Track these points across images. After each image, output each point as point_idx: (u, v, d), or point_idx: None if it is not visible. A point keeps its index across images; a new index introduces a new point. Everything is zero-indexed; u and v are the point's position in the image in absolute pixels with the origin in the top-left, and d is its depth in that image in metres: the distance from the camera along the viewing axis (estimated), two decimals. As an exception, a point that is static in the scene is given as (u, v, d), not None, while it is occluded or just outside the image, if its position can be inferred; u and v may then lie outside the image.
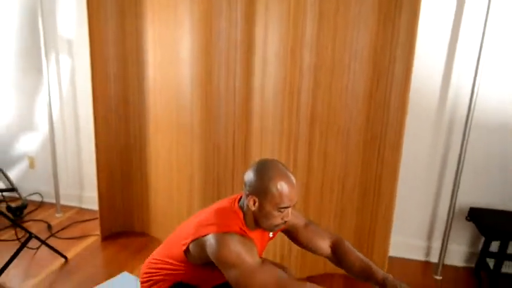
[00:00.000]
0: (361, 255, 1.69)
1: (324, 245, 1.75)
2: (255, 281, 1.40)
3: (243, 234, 1.50)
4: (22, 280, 2.65)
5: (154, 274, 1.72)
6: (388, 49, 2.39)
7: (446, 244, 2.80)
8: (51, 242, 3.01)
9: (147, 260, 1.80)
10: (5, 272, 2.62)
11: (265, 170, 1.50)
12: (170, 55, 2.73)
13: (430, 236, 2.99)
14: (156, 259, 1.75)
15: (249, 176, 1.52)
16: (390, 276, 1.58)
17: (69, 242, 3.12)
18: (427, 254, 3.02)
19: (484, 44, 2.45)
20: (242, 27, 2.48)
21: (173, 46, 2.70)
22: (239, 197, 1.64)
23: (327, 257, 1.77)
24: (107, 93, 2.96)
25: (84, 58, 3.21)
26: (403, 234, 2.99)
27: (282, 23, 2.37)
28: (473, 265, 2.92)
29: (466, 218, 2.76)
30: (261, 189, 1.48)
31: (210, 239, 1.46)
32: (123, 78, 2.97)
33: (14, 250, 2.68)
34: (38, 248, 2.95)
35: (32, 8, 3.34)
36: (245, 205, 1.56)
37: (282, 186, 1.47)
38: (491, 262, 2.65)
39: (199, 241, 1.51)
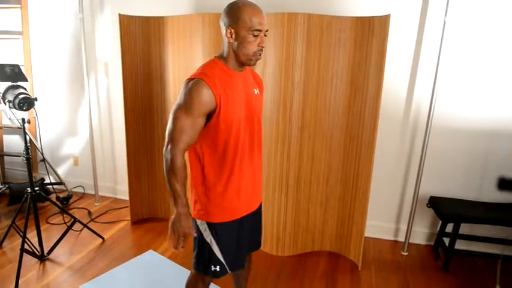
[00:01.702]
0: None
1: None
2: (172, 123, 1.39)
3: (212, 88, 1.37)
4: (68, 256, 2.64)
5: (192, 174, 1.56)
6: (363, 68, 2.38)
7: (411, 226, 2.78)
8: (91, 225, 3.00)
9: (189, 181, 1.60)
10: (55, 249, 2.63)
11: (234, 4, 1.41)
12: (186, 73, 2.71)
13: (398, 220, 2.97)
14: (188, 162, 1.56)
15: (222, 16, 1.44)
16: None
17: (106, 225, 3.11)
18: (396, 234, 3.00)
19: (440, 63, 2.45)
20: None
21: (189, 66, 2.70)
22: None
23: None
24: (135, 105, 2.95)
25: (118, 77, 3.21)
26: (376, 218, 2.97)
27: (276, 47, 2.37)
28: (432, 243, 2.90)
29: (427, 205, 2.74)
30: (234, 19, 1.39)
31: (183, 84, 1.43)
32: (148, 92, 2.96)
33: (62, 232, 2.70)
34: (80, 231, 2.95)
35: (76, 38, 3.34)
36: (225, 48, 1.46)
37: (251, 12, 1.38)
38: (446, 240, 2.63)
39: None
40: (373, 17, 2.29)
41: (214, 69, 1.44)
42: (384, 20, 2.22)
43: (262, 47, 1.45)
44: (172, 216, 1.44)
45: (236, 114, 1.45)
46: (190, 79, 1.41)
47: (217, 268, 1.56)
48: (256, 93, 1.58)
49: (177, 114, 1.39)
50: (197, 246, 1.58)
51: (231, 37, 1.41)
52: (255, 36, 1.41)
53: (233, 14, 1.40)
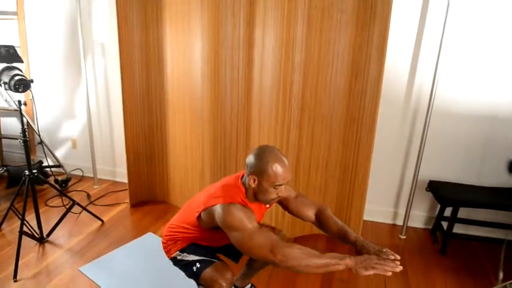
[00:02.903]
0: (338, 221, 1.66)
1: (310, 213, 1.73)
2: (253, 242, 1.40)
3: (244, 205, 1.50)
4: (67, 238, 2.65)
5: (173, 236, 1.74)
6: (364, 50, 2.34)
7: (410, 210, 2.79)
8: (90, 208, 3.01)
9: (166, 225, 1.81)
10: (54, 231, 2.64)
11: (263, 154, 1.49)
12: (185, 55, 2.68)
13: (396, 204, 2.98)
14: (174, 224, 1.76)
15: (250, 159, 1.52)
16: (360, 238, 1.55)
17: (105, 208, 3.11)
18: (394, 218, 3.01)
19: (442, 48, 2.41)
20: (244, 31, 2.43)
21: (187, 47, 2.66)
22: (241, 174, 1.62)
23: (312, 222, 1.76)
24: (133, 87, 2.91)
25: (115, 58, 3.16)
26: (375, 202, 2.98)
27: (277, 28, 2.32)
28: (430, 227, 2.92)
29: (426, 189, 2.75)
30: (259, 170, 1.47)
31: (218, 209, 1.47)
32: (146, 74, 2.92)
33: (61, 214, 2.69)
34: (79, 213, 2.95)
35: (73, 19, 3.28)
36: (246, 182, 1.55)
37: (277, 168, 1.46)
38: (445, 224, 2.64)
39: (209, 210, 1.52)
40: (375, -3, 2.24)
41: (238, 196, 1.54)
42: (387, 2, 2.17)
43: (280, 196, 1.56)
44: (355, 270, 1.38)
45: None
46: (223, 203, 1.47)
47: (198, 265, 1.64)
48: (266, 207, 1.71)
49: (245, 237, 1.42)
50: (184, 271, 1.71)
51: (253, 183, 1.51)
52: (276, 188, 1.50)
53: (260, 165, 1.47)
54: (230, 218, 1.42)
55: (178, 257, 1.70)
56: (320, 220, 1.71)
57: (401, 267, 1.33)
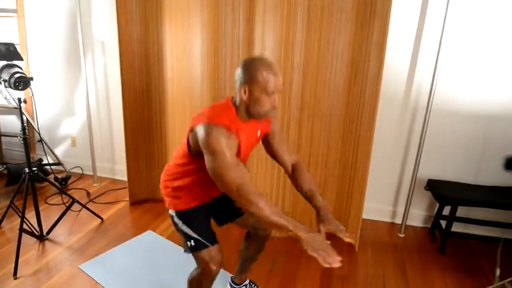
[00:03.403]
0: (311, 182, 1.66)
1: (287, 159, 1.72)
2: (225, 174, 1.35)
3: (229, 129, 1.41)
4: (67, 236, 2.65)
5: (169, 178, 1.68)
6: (363, 49, 2.34)
7: (409, 209, 2.80)
8: (90, 206, 3.01)
9: (162, 173, 1.75)
10: (54, 229, 2.64)
11: (251, 62, 1.43)
12: (184, 51, 2.69)
13: (395, 202, 2.99)
14: (169, 165, 1.70)
15: (238, 71, 1.45)
16: (324, 207, 1.55)
17: (104, 206, 3.12)
18: (393, 216, 3.02)
19: (441, 46, 2.41)
20: (244, 28, 2.43)
21: (187, 44, 2.66)
22: (233, 97, 1.55)
23: (285, 170, 1.74)
24: (133, 84, 2.91)
25: (115, 56, 3.15)
26: (374, 200, 2.98)
27: (276, 26, 2.32)
28: (429, 225, 2.93)
29: (425, 188, 2.75)
30: (249, 78, 1.40)
31: (200, 128, 1.39)
32: (146, 71, 2.91)
33: (61, 212, 2.70)
34: (79, 211, 2.96)
35: (72, 16, 3.28)
36: (237, 99, 1.48)
37: (267, 73, 1.39)
38: (443, 223, 2.65)
39: (193, 131, 1.45)
40: (375, -4, 2.24)
41: (227, 116, 1.45)
42: (386, 0, 2.18)
43: (275, 107, 1.47)
44: (303, 244, 1.34)
45: None
46: (206, 123, 1.40)
47: (193, 243, 1.62)
48: (258, 134, 1.63)
49: (219, 166, 1.36)
50: (180, 234, 1.69)
51: (245, 94, 1.43)
52: (269, 96, 1.43)
53: (249, 72, 1.41)
54: (210, 139, 1.36)
55: (174, 219, 1.68)
56: (294, 173, 1.70)
57: (340, 264, 1.30)
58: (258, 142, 1.70)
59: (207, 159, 1.38)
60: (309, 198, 1.62)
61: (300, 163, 1.73)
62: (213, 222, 1.78)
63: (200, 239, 1.62)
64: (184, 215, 1.66)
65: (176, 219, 1.67)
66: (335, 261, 1.30)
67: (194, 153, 1.51)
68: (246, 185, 1.35)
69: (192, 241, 1.62)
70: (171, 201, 1.68)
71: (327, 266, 1.29)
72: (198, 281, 1.70)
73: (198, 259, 1.65)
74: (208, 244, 1.62)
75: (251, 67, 1.41)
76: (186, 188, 1.64)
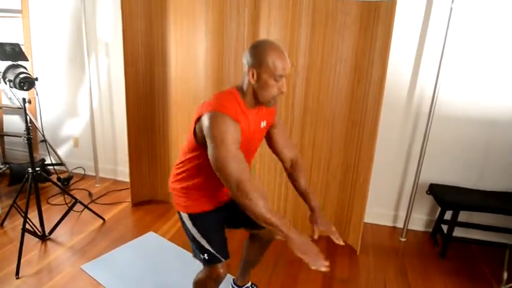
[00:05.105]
0: (305, 182, 1.69)
1: (288, 155, 1.72)
2: (225, 165, 1.33)
3: (235, 119, 1.39)
4: (69, 236, 2.66)
5: (177, 179, 1.64)
6: (367, 54, 2.36)
7: (410, 213, 2.80)
8: (92, 206, 3.01)
9: (170, 174, 1.71)
10: (56, 229, 2.64)
11: (260, 45, 1.41)
12: (188, 53, 2.69)
13: (397, 206, 2.99)
14: (176, 165, 1.66)
15: (247, 54, 1.43)
16: (318, 208, 1.58)
17: (106, 207, 3.12)
18: (395, 220, 3.02)
19: (444, 52, 2.42)
20: (248, 31, 2.45)
21: (191, 47, 2.67)
22: (238, 85, 1.54)
23: (284, 165, 1.74)
24: (136, 86, 2.92)
25: (119, 57, 3.16)
26: (375, 204, 2.99)
27: (281, 30, 2.33)
28: (431, 230, 2.93)
29: (427, 192, 2.76)
30: (257, 61, 1.39)
31: (205, 116, 1.38)
32: (150, 73, 2.92)
33: (63, 212, 2.70)
34: (81, 211, 2.96)
35: (77, 17, 3.29)
36: (245, 83, 1.46)
37: (276, 56, 1.37)
38: (445, 227, 2.65)
39: (200, 121, 1.43)
40: (379, 1, 2.25)
41: (233, 103, 1.43)
42: (390, 5, 2.19)
43: (283, 91, 1.45)
44: (292, 245, 1.35)
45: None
46: (211, 111, 1.37)
47: (207, 257, 1.60)
48: (262, 126, 1.59)
49: (222, 156, 1.34)
50: (191, 242, 1.67)
51: (253, 78, 1.41)
52: (277, 81, 1.41)
53: (257, 55, 1.39)
54: (214, 127, 1.34)
55: (187, 225, 1.63)
56: (293, 170, 1.71)
57: (327, 269, 1.30)
58: (263, 136, 1.67)
59: (210, 148, 1.36)
60: (305, 196, 1.64)
61: (299, 160, 1.73)
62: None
63: (214, 253, 1.59)
64: (195, 219, 1.62)
65: (187, 222, 1.63)
66: (322, 264, 1.30)
67: (201, 144, 1.48)
68: (244, 177, 1.33)
69: (205, 255, 1.59)
70: (181, 202, 1.64)
71: (313, 268, 1.30)
72: (204, 283, 1.68)
73: (207, 270, 1.63)
74: (222, 259, 1.60)
75: (260, 50, 1.39)
76: (194, 189, 1.60)
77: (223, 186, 1.42)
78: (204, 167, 1.52)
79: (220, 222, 1.69)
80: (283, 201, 2.67)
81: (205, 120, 1.37)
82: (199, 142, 1.48)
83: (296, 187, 1.69)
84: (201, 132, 1.42)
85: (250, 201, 1.31)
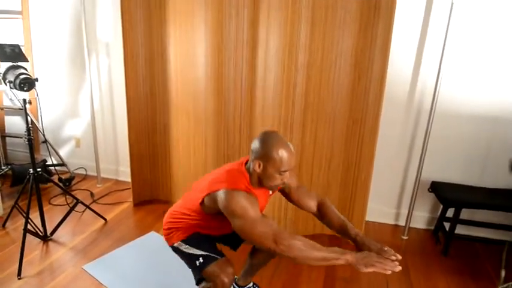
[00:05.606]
0: (340, 215, 1.67)
1: (311, 204, 1.75)
2: (256, 230, 1.39)
3: (248, 192, 1.48)
4: (71, 236, 2.66)
5: (174, 223, 1.74)
6: (367, 51, 2.34)
7: (412, 211, 2.79)
8: (94, 206, 3.01)
9: (168, 212, 1.81)
10: (58, 230, 2.65)
11: (269, 139, 1.49)
12: (188, 54, 2.69)
13: (399, 204, 2.98)
14: (176, 211, 1.75)
15: (255, 144, 1.51)
16: (361, 234, 1.57)
17: (108, 207, 3.13)
18: (396, 218, 3.01)
19: (445, 51, 2.41)
20: (248, 30, 2.44)
21: (191, 47, 2.66)
22: (245, 160, 1.62)
23: (313, 213, 1.76)
24: (137, 86, 2.92)
25: (119, 57, 3.16)
26: (377, 202, 2.98)
27: (281, 28, 2.32)
28: (432, 227, 2.92)
29: (428, 190, 2.75)
30: (265, 155, 1.46)
31: (221, 194, 1.45)
32: (150, 74, 2.92)
33: (65, 213, 2.70)
34: (83, 212, 2.96)
35: (77, 18, 3.29)
36: (251, 168, 1.53)
37: (283, 153, 1.45)
38: (447, 225, 2.64)
39: (212, 195, 1.51)
40: (379, -2, 2.24)
41: (243, 183, 1.52)
42: (391, 1, 2.18)
43: (285, 182, 1.57)
44: (356, 266, 1.37)
45: None
46: (226, 189, 1.46)
47: (201, 259, 1.64)
48: (268, 195, 1.70)
49: (247, 225, 1.41)
50: (185, 261, 1.72)
51: (259, 168, 1.50)
52: (281, 174, 1.49)
53: (266, 150, 1.47)
54: (233, 204, 1.41)
55: (181, 248, 1.70)
56: (322, 212, 1.72)
57: (400, 267, 1.33)
58: (268, 199, 1.76)
59: (234, 223, 1.43)
60: (342, 232, 1.62)
61: (324, 201, 1.75)
62: (227, 249, 1.82)
63: (208, 253, 1.64)
64: (188, 240, 1.69)
65: (182, 247, 1.69)
66: (394, 266, 1.34)
67: (208, 212, 1.60)
68: (278, 232, 1.39)
69: (200, 258, 1.63)
70: (174, 235, 1.73)
71: (389, 273, 1.32)
72: None
73: (209, 275, 1.62)
74: (217, 257, 1.63)
75: (269, 145, 1.47)
76: (188, 233, 1.72)
77: (219, 232, 1.56)
78: (202, 225, 1.68)
79: (212, 240, 1.76)
80: (283, 201, 2.66)
81: (222, 198, 1.45)
82: (206, 211, 1.61)
83: (331, 227, 1.68)
84: (213, 204, 1.52)
85: (295, 249, 1.36)
